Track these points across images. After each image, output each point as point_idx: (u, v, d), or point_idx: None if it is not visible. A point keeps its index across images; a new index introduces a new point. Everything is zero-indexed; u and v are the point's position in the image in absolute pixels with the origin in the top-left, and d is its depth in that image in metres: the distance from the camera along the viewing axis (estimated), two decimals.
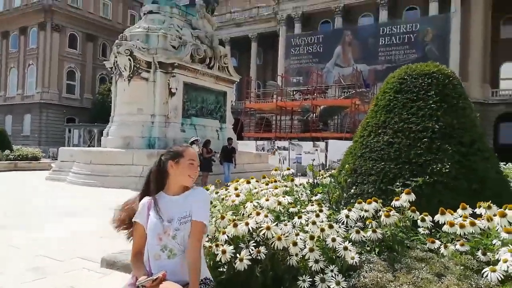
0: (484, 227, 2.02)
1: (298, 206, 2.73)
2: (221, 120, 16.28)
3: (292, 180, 3.18)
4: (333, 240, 2.11)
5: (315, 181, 3.53)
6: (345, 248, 2.08)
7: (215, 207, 2.60)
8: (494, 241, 1.95)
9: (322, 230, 2.16)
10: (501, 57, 39.53)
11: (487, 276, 1.70)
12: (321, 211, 2.40)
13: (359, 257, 2.11)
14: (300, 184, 3.52)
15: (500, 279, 1.66)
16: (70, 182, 12.64)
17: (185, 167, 2.08)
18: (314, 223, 2.22)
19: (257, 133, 30.70)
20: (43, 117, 43.68)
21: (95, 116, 40.18)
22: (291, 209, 2.69)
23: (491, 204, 2.07)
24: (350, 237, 2.21)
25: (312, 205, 2.76)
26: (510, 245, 1.71)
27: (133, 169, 12.33)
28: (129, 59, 13.69)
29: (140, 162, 12.40)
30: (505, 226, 1.79)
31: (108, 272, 3.92)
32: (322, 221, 2.25)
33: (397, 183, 2.86)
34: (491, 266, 1.70)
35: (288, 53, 39.61)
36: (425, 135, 3.05)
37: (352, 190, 2.94)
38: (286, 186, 3.14)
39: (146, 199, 2.09)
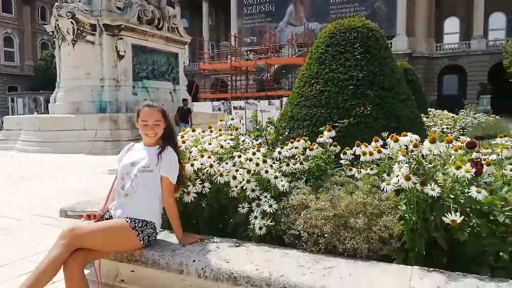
0: (389, 153, 2.46)
1: (240, 150, 3.06)
2: (174, 82, 16.16)
3: (237, 129, 3.48)
4: (266, 172, 2.48)
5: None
6: (276, 177, 2.45)
7: None
8: (394, 165, 2.39)
9: (257, 164, 2.51)
10: (445, 12, 41.14)
11: (384, 189, 2.13)
12: (258, 150, 2.74)
13: (288, 185, 2.49)
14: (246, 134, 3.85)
15: (392, 190, 2.10)
16: (19, 150, 12.31)
17: (140, 127, 2.37)
18: (250, 159, 2.56)
19: (213, 94, 30.63)
20: None
21: (39, 83, 38.00)
22: (234, 153, 3.01)
23: (394, 135, 2.49)
24: (282, 169, 2.59)
25: (253, 148, 3.09)
26: (401, 163, 2.14)
27: (85, 134, 12.19)
28: (72, 22, 13.10)
29: (92, 126, 12.25)
30: (400, 149, 2.21)
31: (67, 221, 4.14)
32: (258, 158, 2.60)
33: (327, 125, 3.26)
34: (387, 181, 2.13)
35: (240, 13, 38.95)
36: (351, 82, 3.44)
37: (286, 133, 3.32)
38: (231, 134, 3.44)
39: (130, 144, 2.42)
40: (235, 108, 21.46)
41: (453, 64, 38.84)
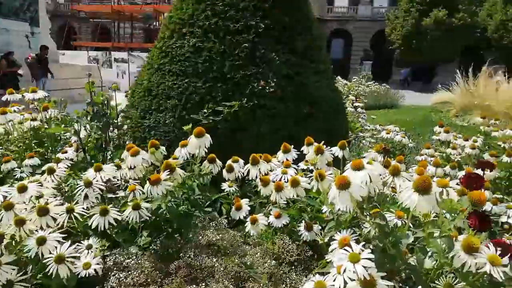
0: (311, 186, 1.27)
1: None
2: (32, 23, 12.92)
3: (45, 109, 1.94)
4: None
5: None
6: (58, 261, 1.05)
7: None
8: (324, 208, 1.21)
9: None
10: None
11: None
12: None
13: (98, 262, 1.13)
14: None
15: None
16: None
17: None
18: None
19: (91, 42, 26.52)
20: None
21: None
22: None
23: (322, 147, 1.30)
24: (90, 221, 1.21)
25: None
26: (345, 231, 0.95)
27: None
28: None
29: None
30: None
31: None
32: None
33: (205, 110, 1.94)
34: (316, 276, 0.91)
35: None
36: (246, 38, 2.12)
37: (125, 126, 1.89)
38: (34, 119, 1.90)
39: None
40: (116, 60, 18.57)
41: (341, 28, 40.14)
